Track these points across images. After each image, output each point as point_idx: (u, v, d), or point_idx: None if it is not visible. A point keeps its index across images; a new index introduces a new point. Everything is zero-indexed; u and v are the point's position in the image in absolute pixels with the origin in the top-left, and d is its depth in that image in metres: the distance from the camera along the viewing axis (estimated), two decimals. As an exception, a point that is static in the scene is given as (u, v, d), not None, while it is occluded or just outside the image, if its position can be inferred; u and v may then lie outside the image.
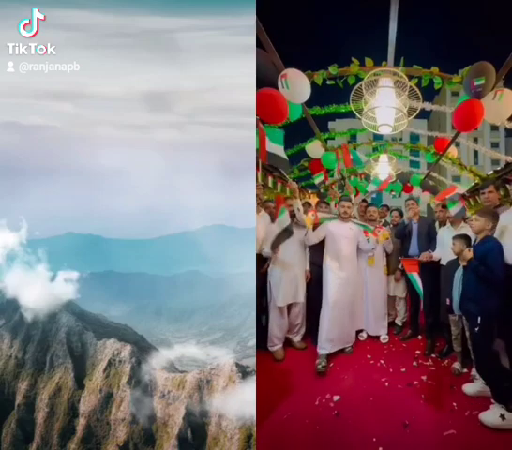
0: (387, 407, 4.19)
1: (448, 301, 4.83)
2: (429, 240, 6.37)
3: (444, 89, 5.08)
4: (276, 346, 5.92)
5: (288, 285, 6.03)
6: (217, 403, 15.47)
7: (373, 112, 4.70)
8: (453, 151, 7.64)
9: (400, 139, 10.39)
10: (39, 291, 21.50)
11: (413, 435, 3.65)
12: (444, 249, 5.40)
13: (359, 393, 4.42)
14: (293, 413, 4.00)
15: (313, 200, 9.27)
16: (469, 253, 4.36)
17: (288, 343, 6.21)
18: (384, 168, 9.43)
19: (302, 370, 5.24)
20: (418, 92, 4.59)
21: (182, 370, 19.22)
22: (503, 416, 3.78)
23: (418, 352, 5.89)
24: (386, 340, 6.29)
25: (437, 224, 6.82)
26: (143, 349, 18.77)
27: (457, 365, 5.13)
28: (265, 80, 4.35)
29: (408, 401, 4.33)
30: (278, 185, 8.77)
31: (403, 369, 5.22)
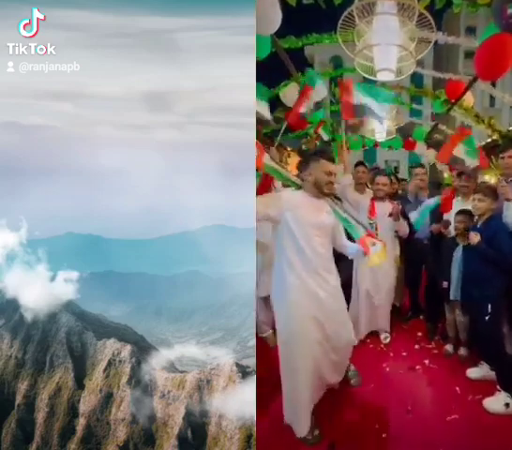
0: (389, 393, 4.13)
1: (445, 284, 4.46)
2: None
3: (454, 14, 3.81)
4: (266, 332, 5.32)
5: (268, 272, 4.57)
6: (217, 403, 15.47)
7: (370, 51, 3.57)
8: (468, 99, 5.94)
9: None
10: (39, 291, 21.51)
11: (416, 421, 3.66)
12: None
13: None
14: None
15: (293, 160, 7.69)
16: (476, 237, 3.88)
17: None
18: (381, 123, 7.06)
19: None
20: (430, 19, 3.38)
21: (182, 370, 19.22)
22: (507, 405, 3.69)
23: (420, 334, 5.51)
24: (388, 340, 5.44)
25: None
26: (143, 349, 18.77)
27: (449, 347, 4.94)
28: None
29: (410, 386, 4.25)
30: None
31: (404, 353, 5.00)
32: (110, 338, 18.50)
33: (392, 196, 5.43)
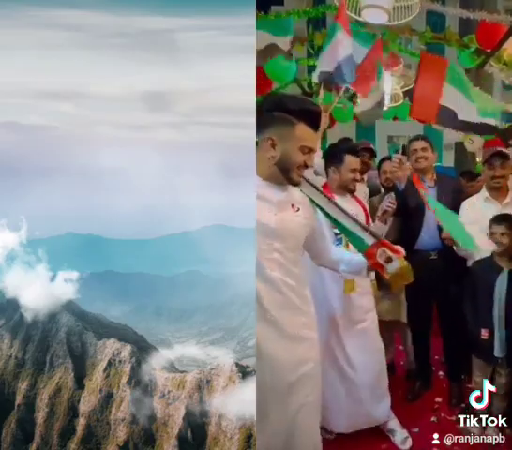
0: None
1: (486, 333, 2.87)
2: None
3: None
4: None
5: None
6: (217, 403, 15.47)
7: None
8: (510, 48, 4.02)
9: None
10: (39, 291, 21.51)
11: None
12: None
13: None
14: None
15: None
16: None
17: None
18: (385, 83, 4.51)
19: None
20: None
21: (182, 370, 19.22)
22: None
23: (439, 399, 3.79)
24: (408, 445, 3.28)
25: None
26: (143, 349, 18.76)
27: (492, 430, 2.92)
28: None
29: None
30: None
31: (416, 429, 3.41)
32: (110, 338, 18.50)
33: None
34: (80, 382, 17.75)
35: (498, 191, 3.18)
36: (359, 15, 2.61)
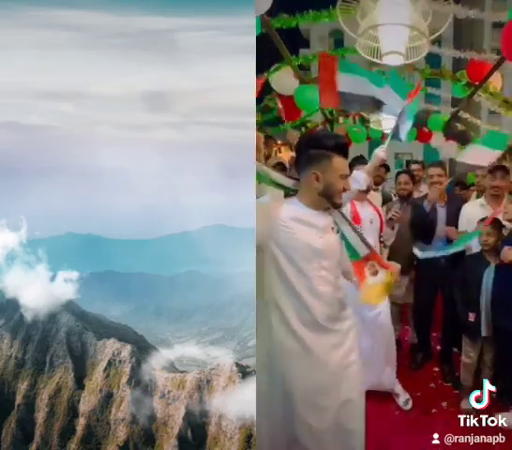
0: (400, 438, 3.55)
1: (473, 317, 3.42)
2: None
3: None
4: None
5: None
6: (217, 403, 15.47)
7: (375, 31, 2.98)
8: (496, 80, 4.84)
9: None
10: (39, 291, 21.52)
11: None
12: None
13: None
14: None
15: (285, 155, 6.59)
16: (510, 252, 3.13)
17: None
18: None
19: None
20: None
21: (182, 370, 19.22)
22: None
23: (437, 369, 4.50)
24: (410, 405, 3.94)
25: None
26: (143, 349, 18.77)
27: (466, 403, 3.45)
28: None
29: (425, 434, 3.32)
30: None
31: (418, 394, 4.09)
32: (110, 338, 18.50)
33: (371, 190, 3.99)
34: (80, 382, 17.76)
35: (495, 199, 3.75)
36: (381, 60, 3.12)
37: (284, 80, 4.97)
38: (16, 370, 18.74)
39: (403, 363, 4.38)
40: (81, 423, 16.76)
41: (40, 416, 17.29)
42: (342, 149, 2.33)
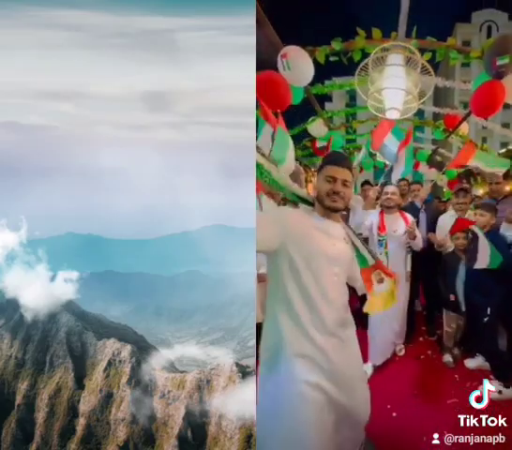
0: (398, 378, 4.69)
1: (453, 297, 4.64)
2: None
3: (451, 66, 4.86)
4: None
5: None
6: (217, 403, 15.47)
7: (380, 94, 4.26)
8: (464, 128, 7.07)
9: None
10: (39, 291, 21.53)
11: (421, 402, 4.20)
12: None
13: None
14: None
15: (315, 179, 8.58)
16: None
17: None
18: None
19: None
20: (430, 69, 4.02)
21: (182, 370, 19.24)
22: (500, 392, 4.13)
23: (424, 328, 5.97)
24: (402, 352, 5.21)
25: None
26: (143, 349, 18.78)
27: (448, 357, 4.99)
28: (264, 59, 3.93)
29: (416, 373, 4.85)
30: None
31: (411, 345, 5.56)
32: (110, 338, 18.51)
33: (401, 207, 5.17)
34: (80, 382, 17.76)
35: (460, 212, 5.01)
36: (384, 114, 4.38)
37: (318, 128, 7.27)
38: (16, 370, 18.75)
39: (420, 329, 5.92)
40: (81, 423, 16.77)
41: (40, 416, 17.30)
42: (335, 158, 2.57)
